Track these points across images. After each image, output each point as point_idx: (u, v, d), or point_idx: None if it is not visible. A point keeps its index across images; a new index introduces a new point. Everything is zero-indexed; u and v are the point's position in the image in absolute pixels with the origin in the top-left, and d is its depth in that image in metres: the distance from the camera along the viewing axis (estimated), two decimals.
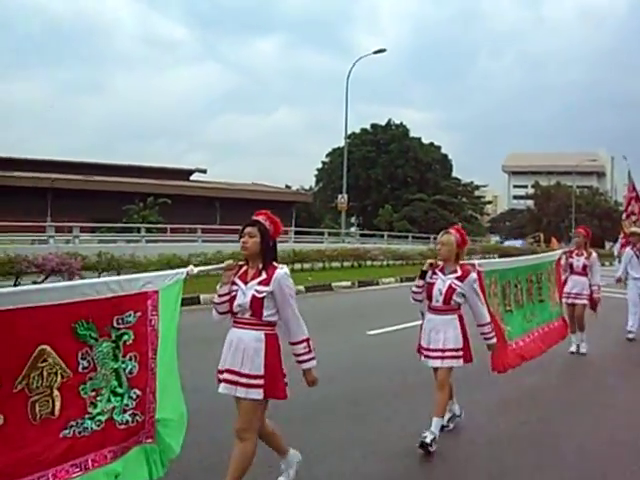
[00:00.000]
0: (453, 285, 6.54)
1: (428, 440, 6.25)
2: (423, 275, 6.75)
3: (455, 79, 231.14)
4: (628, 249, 14.00)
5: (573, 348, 11.72)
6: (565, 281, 11.60)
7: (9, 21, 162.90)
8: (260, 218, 5.13)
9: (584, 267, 11.66)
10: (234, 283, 5.06)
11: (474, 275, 6.69)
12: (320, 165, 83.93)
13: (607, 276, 16.03)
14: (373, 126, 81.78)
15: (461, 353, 6.53)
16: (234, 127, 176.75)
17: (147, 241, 31.76)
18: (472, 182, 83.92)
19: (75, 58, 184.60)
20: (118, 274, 17.82)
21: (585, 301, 11.67)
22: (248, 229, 5.03)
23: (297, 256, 26.99)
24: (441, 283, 6.59)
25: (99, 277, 18.10)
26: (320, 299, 19.84)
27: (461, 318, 6.65)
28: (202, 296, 16.44)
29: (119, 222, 39.42)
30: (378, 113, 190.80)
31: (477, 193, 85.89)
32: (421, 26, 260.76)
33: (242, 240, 5.04)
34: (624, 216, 17.60)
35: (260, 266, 5.02)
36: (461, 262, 6.76)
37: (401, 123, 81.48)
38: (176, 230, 37.51)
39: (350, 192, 74.18)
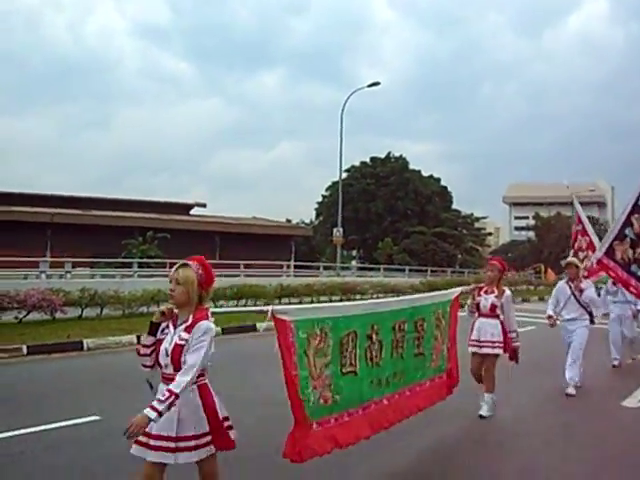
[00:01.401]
0: (178, 341, 4.73)
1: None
2: (152, 329, 4.95)
3: (457, 110, 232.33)
4: (561, 283, 12.11)
5: (484, 412, 9.51)
6: (472, 325, 9.83)
7: (15, 56, 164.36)
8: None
9: (493, 307, 9.55)
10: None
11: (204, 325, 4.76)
12: (320, 199, 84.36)
13: None
14: (372, 159, 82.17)
15: None
16: (236, 161, 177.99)
17: (139, 276, 32.21)
18: (472, 214, 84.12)
19: (80, 94, 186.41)
20: (101, 310, 18.26)
21: (497, 350, 9.52)
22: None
23: (284, 291, 27.09)
24: (169, 340, 4.78)
25: (82, 313, 18.59)
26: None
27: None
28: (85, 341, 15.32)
29: (119, 257, 39.90)
30: (380, 145, 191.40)
31: (478, 225, 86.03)
32: (423, 58, 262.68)
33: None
34: (572, 252, 16.25)
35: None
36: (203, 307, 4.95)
37: (400, 156, 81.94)
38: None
39: (350, 225, 74.93)
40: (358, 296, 30.97)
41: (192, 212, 64.97)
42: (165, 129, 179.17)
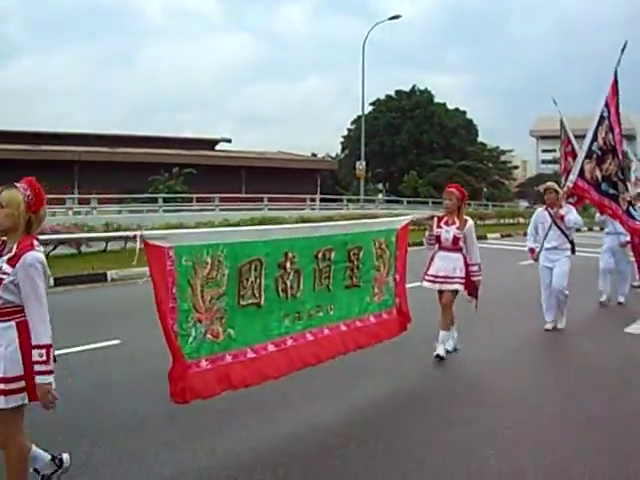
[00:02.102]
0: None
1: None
2: None
3: (487, 44, 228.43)
4: (539, 210, 11.12)
5: (440, 351, 8.61)
6: (431, 259, 8.92)
7: None
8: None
9: (455, 240, 8.65)
10: None
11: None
12: (346, 132, 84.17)
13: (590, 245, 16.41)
14: (397, 92, 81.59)
15: None
16: (262, 96, 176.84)
17: (164, 211, 32.76)
18: (498, 147, 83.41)
19: (106, 32, 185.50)
20: (125, 243, 18.81)
21: (457, 286, 8.65)
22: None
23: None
24: None
25: (106, 247, 19.14)
26: None
27: None
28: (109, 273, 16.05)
29: (145, 193, 40.42)
30: (408, 78, 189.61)
31: (504, 158, 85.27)
32: None
33: None
34: (563, 177, 13.10)
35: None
36: None
37: (425, 89, 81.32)
38: (202, 200, 38.52)
39: (376, 159, 74.98)
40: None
41: (217, 147, 65.31)
42: (190, 65, 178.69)
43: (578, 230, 11.90)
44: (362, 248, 7.12)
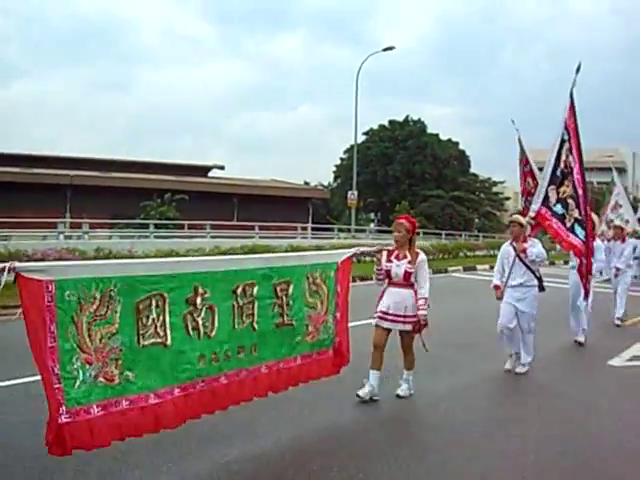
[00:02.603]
0: None
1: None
2: None
3: (479, 74, 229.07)
4: (505, 245, 10.45)
5: (363, 392, 8.05)
6: (381, 296, 8.36)
7: (38, 16, 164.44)
8: None
9: (406, 275, 8.06)
10: None
11: None
12: (339, 161, 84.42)
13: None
14: (391, 122, 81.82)
15: None
16: (256, 123, 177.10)
17: (156, 237, 32.80)
18: (489, 178, 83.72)
19: (100, 56, 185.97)
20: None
21: (408, 326, 8.08)
22: None
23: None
24: None
25: None
26: None
27: None
28: None
29: (137, 218, 40.46)
30: (400, 108, 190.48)
31: (496, 189, 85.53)
32: (446, 20, 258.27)
33: None
34: (522, 199, 12.80)
35: None
36: None
37: (419, 119, 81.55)
38: (194, 227, 38.65)
39: (368, 188, 75.22)
40: (368, 258, 31.34)
41: (210, 174, 65.45)
42: (185, 91, 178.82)
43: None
44: (291, 283, 6.63)
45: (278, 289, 6.47)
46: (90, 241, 27.33)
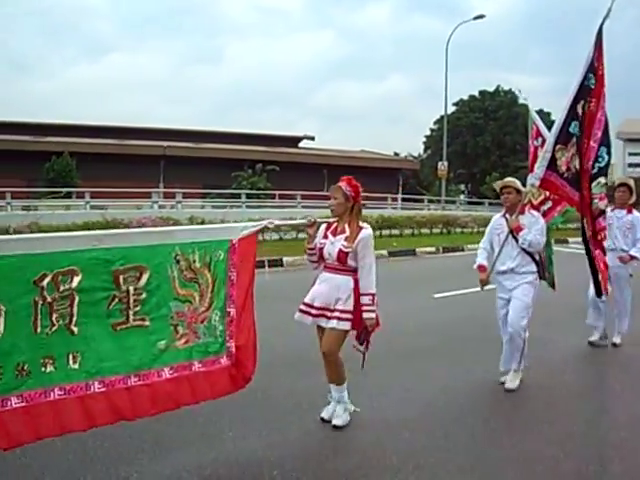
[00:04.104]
0: None
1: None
2: None
3: (572, 42, 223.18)
4: (496, 217, 7.83)
5: (327, 413, 6.15)
6: (313, 283, 6.21)
7: None
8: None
9: (341, 256, 5.84)
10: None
11: None
12: (429, 132, 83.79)
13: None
14: (481, 93, 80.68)
15: None
16: (345, 94, 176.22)
17: (247, 206, 33.20)
18: None
19: (191, 29, 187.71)
20: None
21: (336, 323, 5.83)
22: None
23: (385, 222, 27.39)
24: None
25: None
26: (401, 264, 20.43)
27: None
28: (285, 259, 17.24)
29: (229, 188, 41.00)
30: (492, 78, 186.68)
31: None
32: None
33: None
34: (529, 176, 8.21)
35: None
36: None
37: (510, 89, 79.94)
38: (285, 196, 38.93)
39: (458, 159, 74.44)
40: (459, 229, 31.27)
41: (301, 145, 65.59)
42: (274, 63, 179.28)
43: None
44: (147, 269, 4.79)
45: (121, 278, 4.66)
46: (183, 210, 27.85)
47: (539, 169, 7.31)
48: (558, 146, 7.34)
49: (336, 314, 5.81)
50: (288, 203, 36.68)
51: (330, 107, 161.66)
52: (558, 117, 7.55)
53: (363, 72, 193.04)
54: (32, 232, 13.51)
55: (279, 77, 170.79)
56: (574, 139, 7.43)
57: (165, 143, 48.87)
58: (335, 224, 6.03)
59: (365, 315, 5.76)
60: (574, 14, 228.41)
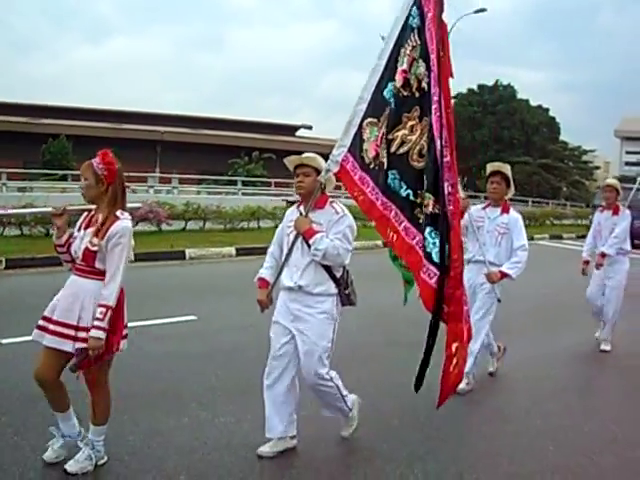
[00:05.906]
0: None
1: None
2: None
3: (574, 38, 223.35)
4: (292, 209, 5.31)
5: (48, 456, 4.59)
6: None
7: None
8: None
9: (88, 256, 4.42)
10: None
11: None
12: None
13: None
14: (480, 86, 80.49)
15: None
16: (346, 84, 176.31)
17: (243, 194, 33.21)
18: (580, 147, 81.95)
19: (194, 16, 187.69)
20: (204, 223, 19.21)
21: (57, 342, 4.35)
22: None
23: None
24: None
25: (185, 226, 19.47)
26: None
27: None
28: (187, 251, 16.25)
29: (225, 175, 41.02)
30: (491, 72, 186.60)
31: (586, 158, 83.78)
32: None
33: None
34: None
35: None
36: None
37: (509, 84, 79.94)
38: (281, 184, 38.94)
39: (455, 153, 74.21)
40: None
41: (298, 134, 65.60)
42: (275, 51, 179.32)
43: None
44: None
45: None
46: (179, 196, 27.85)
47: (338, 149, 4.81)
48: (368, 119, 4.84)
49: (83, 335, 4.29)
50: (284, 191, 36.69)
51: (329, 96, 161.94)
52: (370, 76, 4.94)
53: (364, 62, 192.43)
54: None
55: (280, 65, 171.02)
56: (387, 110, 4.86)
57: (162, 128, 48.82)
58: (92, 212, 4.58)
59: (92, 332, 4.23)
60: (575, 9, 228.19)
